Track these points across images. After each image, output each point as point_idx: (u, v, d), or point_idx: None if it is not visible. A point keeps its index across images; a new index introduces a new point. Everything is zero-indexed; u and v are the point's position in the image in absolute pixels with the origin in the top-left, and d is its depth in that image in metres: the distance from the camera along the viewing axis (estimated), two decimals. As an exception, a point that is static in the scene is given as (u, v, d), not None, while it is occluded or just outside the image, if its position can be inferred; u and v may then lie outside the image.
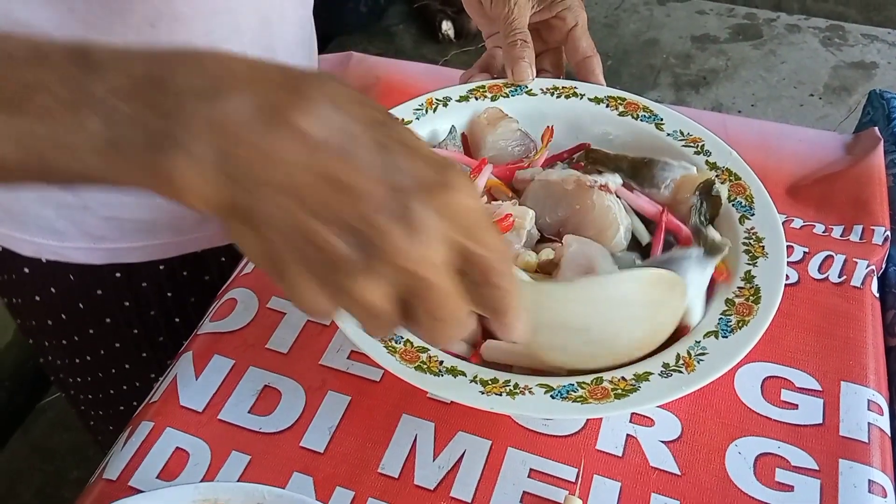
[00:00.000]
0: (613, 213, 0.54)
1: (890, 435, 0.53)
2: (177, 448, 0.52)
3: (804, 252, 0.63)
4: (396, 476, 0.50)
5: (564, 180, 0.55)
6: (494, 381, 0.46)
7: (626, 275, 0.50)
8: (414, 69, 0.85)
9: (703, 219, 0.55)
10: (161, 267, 0.71)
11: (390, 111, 0.34)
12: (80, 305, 0.72)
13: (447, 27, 2.54)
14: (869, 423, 0.52)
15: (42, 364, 0.81)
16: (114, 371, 0.78)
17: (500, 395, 0.46)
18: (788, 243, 0.63)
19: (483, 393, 0.46)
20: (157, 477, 0.51)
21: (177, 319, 0.76)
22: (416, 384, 0.46)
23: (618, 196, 0.56)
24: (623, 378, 0.46)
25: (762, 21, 2.62)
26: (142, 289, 0.72)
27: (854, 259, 0.62)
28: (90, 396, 0.83)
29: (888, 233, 0.65)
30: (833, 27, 2.57)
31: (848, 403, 0.53)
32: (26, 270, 0.70)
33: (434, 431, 0.52)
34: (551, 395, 0.45)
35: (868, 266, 0.61)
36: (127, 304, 0.72)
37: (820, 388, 0.54)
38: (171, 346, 0.76)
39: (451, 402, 0.53)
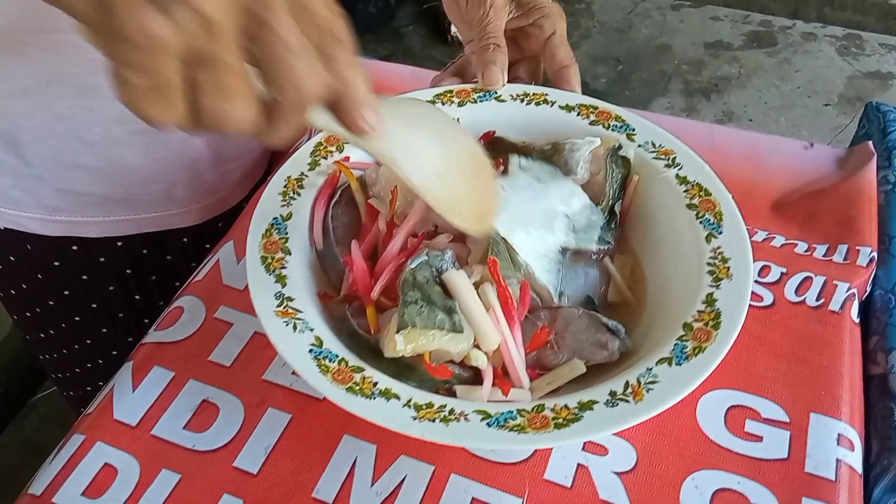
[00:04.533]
0: None
1: (862, 473, 0.49)
2: (105, 464, 0.50)
3: (781, 272, 0.60)
4: (330, 502, 0.47)
5: None
6: (429, 405, 0.44)
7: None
8: (400, 71, 0.83)
9: (616, 186, 0.57)
10: (119, 243, 0.71)
11: None
12: (39, 276, 0.72)
13: (456, 29, 2.52)
14: (837, 460, 0.48)
15: (27, 340, 0.81)
16: (77, 347, 0.78)
17: (434, 420, 0.43)
18: (765, 263, 0.60)
19: (415, 419, 0.43)
20: (83, 494, 0.48)
21: (137, 297, 0.75)
22: (345, 407, 0.43)
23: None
24: (566, 406, 0.43)
25: (777, 28, 2.57)
26: (99, 263, 0.71)
27: (834, 281, 0.59)
28: (62, 375, 0.83)
29: (874, 254, 0.61)
30: (850, 36, 2.52)
31: (816, 437, 0.50)
32: None
33: (375, 454, 0.49)
34: (487, 423, 0.43)
35: (849, 289, 0.58)
36: (84, 277, 0.72)
37: (787, 420, 0.51)
38: (132, 323, 0.76)
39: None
